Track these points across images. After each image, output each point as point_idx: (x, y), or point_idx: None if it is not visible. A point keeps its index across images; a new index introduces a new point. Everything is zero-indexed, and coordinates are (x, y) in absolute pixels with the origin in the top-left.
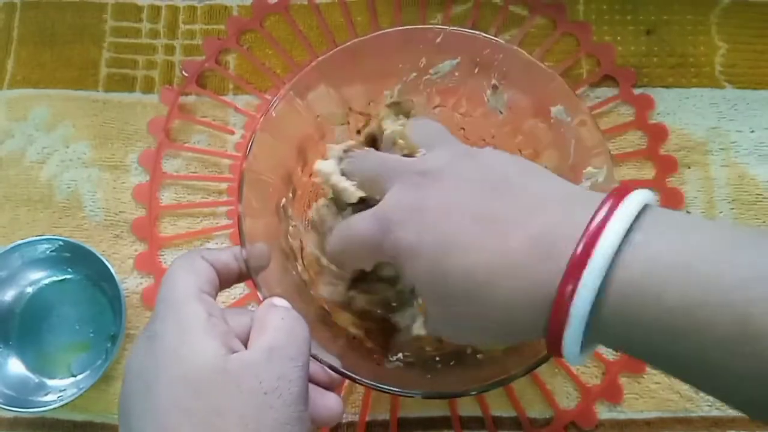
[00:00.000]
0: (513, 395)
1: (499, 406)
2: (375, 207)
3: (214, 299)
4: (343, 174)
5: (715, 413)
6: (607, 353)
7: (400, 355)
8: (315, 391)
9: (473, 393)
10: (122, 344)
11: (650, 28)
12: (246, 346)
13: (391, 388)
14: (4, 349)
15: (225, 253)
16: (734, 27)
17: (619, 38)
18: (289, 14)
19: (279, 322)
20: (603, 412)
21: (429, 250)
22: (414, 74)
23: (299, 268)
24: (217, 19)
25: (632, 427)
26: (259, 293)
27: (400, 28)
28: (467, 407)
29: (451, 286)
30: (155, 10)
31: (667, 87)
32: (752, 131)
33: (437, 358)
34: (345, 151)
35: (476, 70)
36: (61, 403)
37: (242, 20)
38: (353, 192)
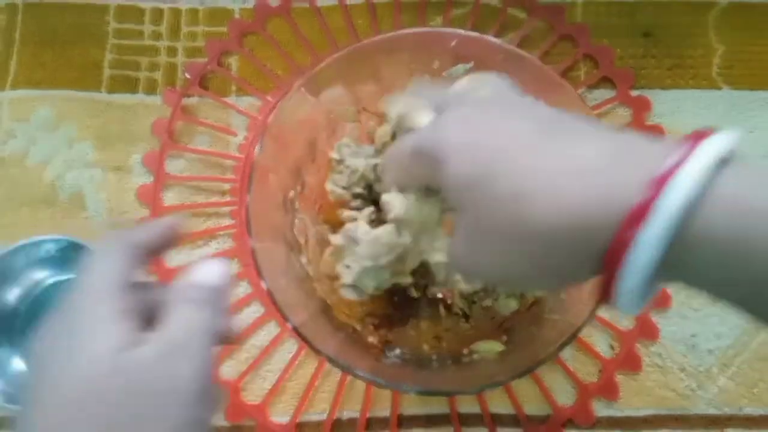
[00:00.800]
0: (511, 393)
1: (497, 404)
2: (431, 123)
3: (128, 286)
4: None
5: (711, 411)
6: (604, 351)
7: (397, 351)
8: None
9: (468, 392)
10: None
11: (648, 30)
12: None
13: (387, 382)
14: (9, 348)
15: (144, 232)
16: (732, 29)
17: (616, 40)
18: (291, 17)
19: (181, 313)
20: (600, 410)
21: (481, 147)
22: (427, 77)
23: (303, 260)
24: (219, 22)
25: (629, 425)
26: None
27: (416, 30)
28: (466, 404)
29: (500, 187)
30: (158, 13)
31: (664, 89)
32: (750, 132)
33: (434, 357)
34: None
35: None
36: None
37: (244, 22)
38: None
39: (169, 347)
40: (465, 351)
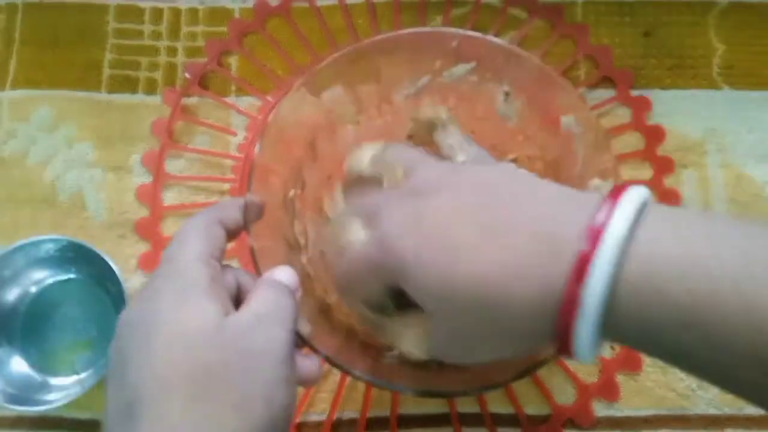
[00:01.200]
0: (511, 393)
1: (497, 403)
2: (372, 231)
3: (220, 263)
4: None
5: (711, 411)
6: (604, 351)
7: (396, 351)
8: (297, 355)
9: (467, 394)
10: None
11: (648, 30)
12: (235, 307)
13: (386, 383)
14: (8, 348)
15: (235, 210)
16: (732, 28)
17: (616, 40)
18: (291, 17)
19: (267, 292)
20: (600, 410)
21: (433, 259)
22: (428, 76)
23: (303, 260)
24: (219, 21)
25: (629, 425)
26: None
27: (417, 29)
28: (466, 404)
29: (460, 294)
30: (157, 12)
31: (664, 88)
32: (749, 132)
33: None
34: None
35: (489, 76)
36: (65, 401)
37: (244, 22)
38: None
39: (261, 316)
40: None
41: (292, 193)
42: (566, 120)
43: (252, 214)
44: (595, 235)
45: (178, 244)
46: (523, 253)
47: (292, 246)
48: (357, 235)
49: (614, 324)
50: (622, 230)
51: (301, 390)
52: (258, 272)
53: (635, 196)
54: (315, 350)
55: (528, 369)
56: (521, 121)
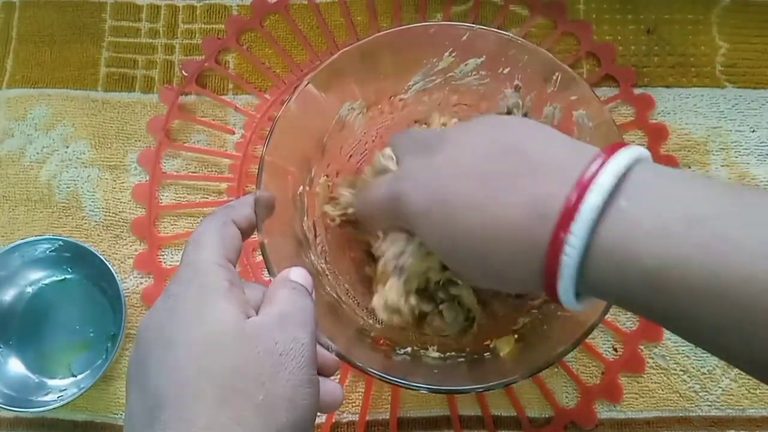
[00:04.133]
0: (513, 394)
1: (498, 406)
2: (392, 173)
3: (236, 264)
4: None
5: (714, 413)
6: (607, 353)
7: (408, 348)
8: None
9: (479, 390)
10: (122, 344)
11: (651, 28)
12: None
13: (400, 379)
14: (5, 349)
15: (247, 208)
16: (735, 26)
17: (619, 38)
18: (289, 14)
19: (287, 294)
20: (602, 412)
21: (436, 210)
22: (437, 70)
23: (312, 257)
24: (216, 19)
25: (632, 427)
26: (269, 274)
27: (426, 23)
28: (467, 406)
29: (458, 244)
30: (154, 10)
31: (667, 86)
32: (753, 131)
33: (444, 355)
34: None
35: (500, 70)
36: (62, 402)
37: (242, 20)
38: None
39: (283, 318)
40: (477, 349)
41: (300, 189)
42: (578, 114)
43: (264, 210)
44: (578, 198)
45: (194, 248)
46: (515, 214)
47: (301, 242)
48: (383, 176)
49: (592, 282)
50: (600, 199)
51: None
52: (269, 268)
53: (625, 157)
54: (326, 347)
55: (540, 367)
56: (531, 115)
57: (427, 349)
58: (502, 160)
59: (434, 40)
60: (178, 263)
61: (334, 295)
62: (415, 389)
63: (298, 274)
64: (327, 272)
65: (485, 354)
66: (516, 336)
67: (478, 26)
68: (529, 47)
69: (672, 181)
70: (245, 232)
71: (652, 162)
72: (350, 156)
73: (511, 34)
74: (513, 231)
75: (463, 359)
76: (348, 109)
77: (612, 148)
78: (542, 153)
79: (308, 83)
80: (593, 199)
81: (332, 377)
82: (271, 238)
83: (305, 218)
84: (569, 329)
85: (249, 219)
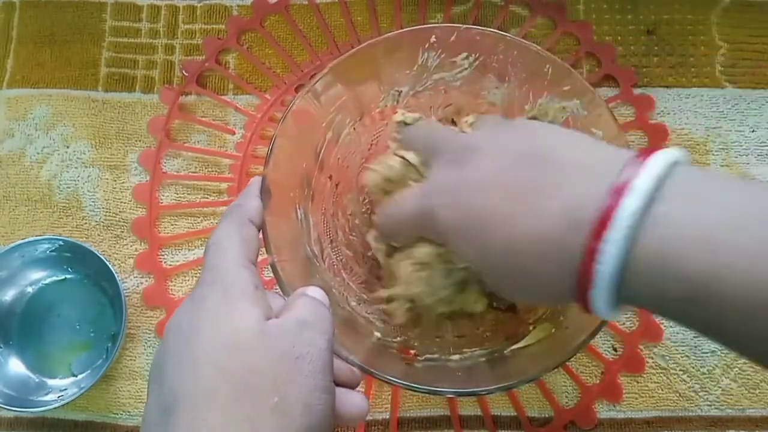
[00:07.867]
0: (513, 395)
1: (498, 405)
2: (420, 186)
3: (256, 265)
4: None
5: (713, 413)
6: (607, 353)
7: (430, 354)
8: (341, 390)
9: (502, 390)
10: (122, 344)
11: (650, 28)
12: None
13: (424, 386)
14: (5, 348)
15: (256, 200)
16: (734, 27)
17: (619, 38)
18: (289, 14)
19: (307, 301)
20: (602, 412)
21: (469, 227)
22: (429, 71)
23: (323, 272)
24: (216, 19)
25: (631, 426)
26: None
27: (414, 27)
28: (467, 406)
29: (491, 259)
30: (155, 10)
31: (667, 87)
32: (752, 131)
33: (464, 356)
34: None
35: (491, 66)
36: (62, 402)
37: (242, 20)
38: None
39: (302, 322)
40: (497, 346)
41: (303, 208)
42: (572, 104)
43: (267, 194)
44: (611, 207)
45: (216, 252)
46: (547, 225)
47: (309, 257)
48: (408, 189)
49: (629, 292)
50: (636, 207)
51: None
52: (282, 287)
53: (661, 162)
54: (346, 360)
55: (561, 360)
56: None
57: (449, 352)
58: (532, 171)
59: (424, 43)
60: (178, 263)
61: (348, 308)
62: (441, 395)
63: (314, 292)
64: (338, 285)
65: (504, 351)
66: (532, 327)
67: (464, 26)
68: (519, 43)
69: (712, 184)
70: (259, 227)
71: (690, 164)
72: (348, 166)
73: (499, 31)
74: (547, 243)
75: (483, 358)
76: (341, 119)
77: (647, 150)
78: (573, 160)
79: (305, 94)
80: (630, 203)
81: (357, 389)
82: (282, 257)
83: (311, 232)
84: (587, 319)
85: (260, 211)
